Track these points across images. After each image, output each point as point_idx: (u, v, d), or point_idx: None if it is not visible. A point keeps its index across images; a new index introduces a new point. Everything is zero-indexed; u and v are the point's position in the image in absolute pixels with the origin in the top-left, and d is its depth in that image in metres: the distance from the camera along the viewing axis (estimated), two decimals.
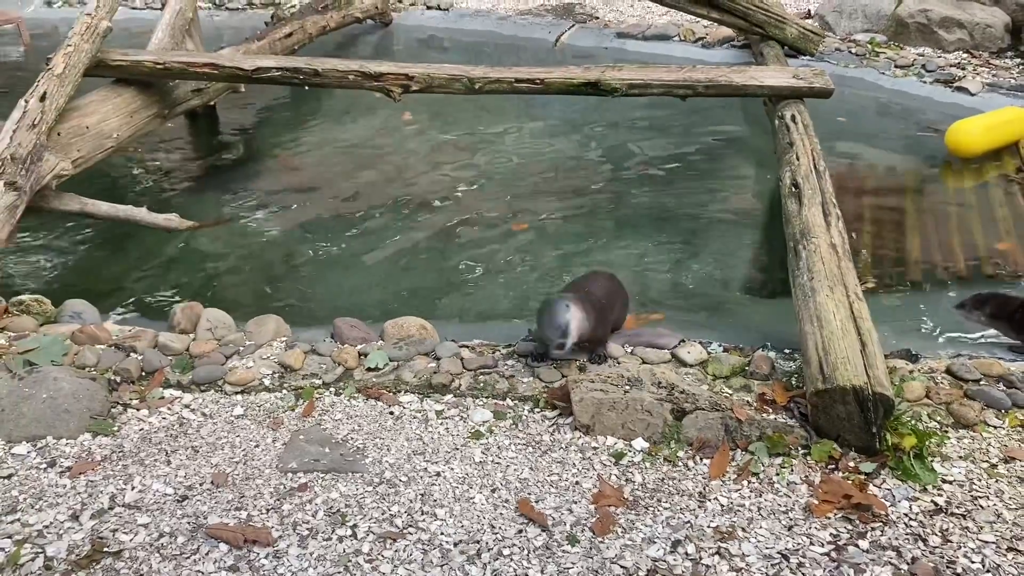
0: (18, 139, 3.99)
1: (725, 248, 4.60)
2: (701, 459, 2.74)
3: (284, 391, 3.14)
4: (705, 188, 5.40)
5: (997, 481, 2.61)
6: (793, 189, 4.02)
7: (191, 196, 5.39)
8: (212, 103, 6.12)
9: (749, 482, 2.64)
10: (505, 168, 5.73)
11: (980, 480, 2.62)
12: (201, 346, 3.35)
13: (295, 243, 4.75)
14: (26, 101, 4.17)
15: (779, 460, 2.72)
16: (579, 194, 5.33)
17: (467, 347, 3.34)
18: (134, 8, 9.60)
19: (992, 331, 3.60)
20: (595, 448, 2.80)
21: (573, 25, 8.44)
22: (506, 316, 3.97)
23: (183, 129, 6.46)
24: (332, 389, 3.14)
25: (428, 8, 9.30)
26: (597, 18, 8.60)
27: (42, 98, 4.20)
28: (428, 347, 3.30)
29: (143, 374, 3.22)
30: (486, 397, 3.06)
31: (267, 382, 3.18)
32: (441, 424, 2.94)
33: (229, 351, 3.34)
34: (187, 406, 3.07)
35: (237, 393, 3.13)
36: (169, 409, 3.04)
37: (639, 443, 2.80)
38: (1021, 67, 6.64)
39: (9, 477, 2.68)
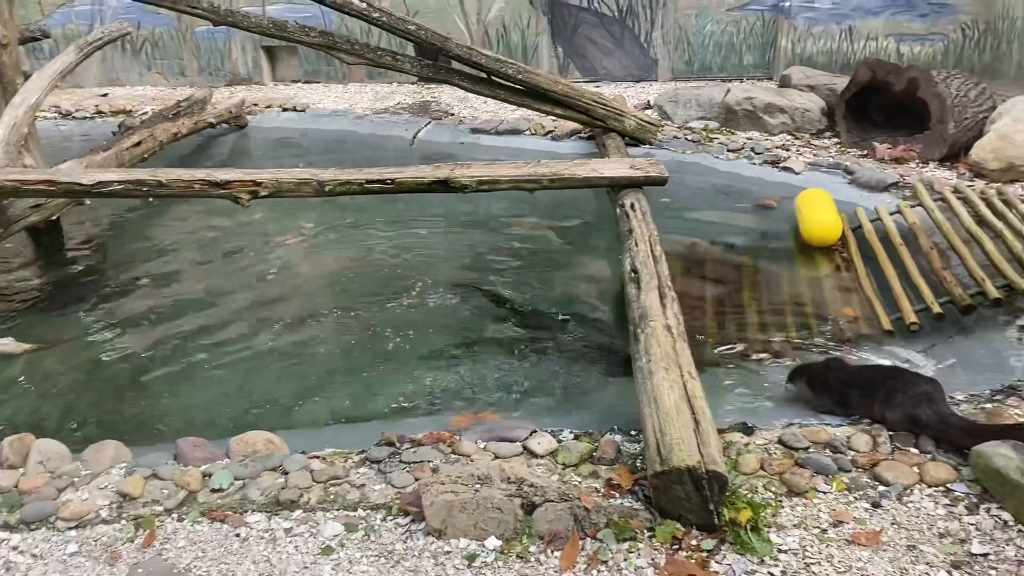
0: None
1: (579, 333, 4.74)
2: (552, 552, 2.76)
3: (123, 521, 2.98)
4: (564, 275, 5.58)
5: (828, 546, 2.74)
6: (633, 274, 4.21)
7: (34, 316, 5.13)
8: (55, 217, 5.91)
9: (599, 571, 2.68)
10: (363, 267, 5.75)
11: (812, 546, 2.75)
12: (31, 481, 3.15)
13: (144, 359, 4.57)
14: None
15: (626, 545, 2.77)
16: (438, 288, 5.40)
17: (317, 458, 3.28)
18: None
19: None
20: (448, 552, 2.78)
21: (429, 122, 8.69)
22: (362, 419, 3.95)
23: (25, 246, 6.18)
24: (175, 515, 3.01)
25: (284, 110, 9.39)
26: (452, 115, 8.89)
27: None
28: (276, 461, 3.23)
29: None
30: (337, 509, 3.00)
31: (104, 514, 3.02)
32: (290, 543, 2.85)
33: (63, 483, 3.15)
34: (15, 548, 2.86)
35: (71, 528, 2.95)
36: None
37: (491, 542, 2.80)
38: (838, 146, 7.26)
39: None
